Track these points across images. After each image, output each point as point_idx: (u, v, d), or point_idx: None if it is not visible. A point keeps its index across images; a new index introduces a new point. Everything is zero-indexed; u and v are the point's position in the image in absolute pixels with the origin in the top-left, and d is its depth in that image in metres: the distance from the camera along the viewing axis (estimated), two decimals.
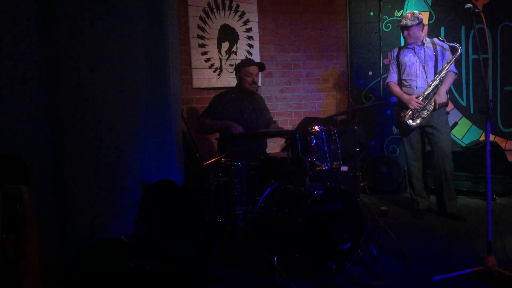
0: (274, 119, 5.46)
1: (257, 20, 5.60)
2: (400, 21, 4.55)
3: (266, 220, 3.43)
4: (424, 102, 4.39)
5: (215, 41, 5.30)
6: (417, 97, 4.41)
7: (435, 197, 4.65)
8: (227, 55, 5.38)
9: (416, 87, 4.48)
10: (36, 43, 2.20)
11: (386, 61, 5.74)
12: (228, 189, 3.48)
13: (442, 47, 4.46)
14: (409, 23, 4.44)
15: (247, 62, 4.37)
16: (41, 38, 2.23)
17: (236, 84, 4.43)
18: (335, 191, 3.34)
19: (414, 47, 4.53)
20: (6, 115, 2.02)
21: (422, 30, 4.52)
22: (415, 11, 4.56)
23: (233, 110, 4.21)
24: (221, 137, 4.28)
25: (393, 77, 4.67)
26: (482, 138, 5.48)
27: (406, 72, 4.55)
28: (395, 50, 4.71)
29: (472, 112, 5.61)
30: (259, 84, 5.60)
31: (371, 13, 5.85)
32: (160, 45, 3.38)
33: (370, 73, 5.90)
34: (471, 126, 5.60)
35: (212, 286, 3.04)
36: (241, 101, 4.28)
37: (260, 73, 5.60)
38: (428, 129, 4.49)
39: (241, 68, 4.31)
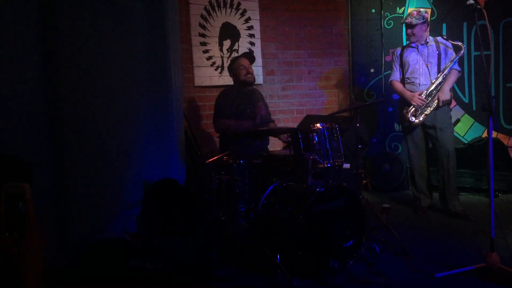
0: (276, 116, 5.47)
1: (258, 18, 5.60)
2: (406, 18, 4.49)
3: (268, 219, 3.43)
4: (427, 99, 4.38)
5: (217, 39, 5.30)
6: (419, 94, 4.40)
7: (438, 195, 4.64)
8: (229, 53, 5.37)
9: (420, 84, 4.47)
10: (36, 42, 2.20)
11: (388, 58, 5.73)
12: (230, 187, 3.48)
13: (445, 45, 4.44)
14: (414, 21, 4.39)
15: (235, 57, 4.45)
16: (41, 38, 2.23)
17: (234, 82, 4.43)
18: (337, 188, 3.33)
19: (417, 45, 4.50)
20: (6, 115, 2.02)
21: (426, 30, 4.48)
22: (421, 9, 4.50)
23: (236, 107, 4.22)
24: (223, 135, 4.28)
25: (396, 76, 4.66)
26: (485, 134, 5.46)
27: (409, 70, 4.53)
28: (398, 49, 4.68)
29: (474, 109, 5.59)
30: (261, 81, 5.61)
31: (373, 10, 5.83)
32: (161, 44, 3.38)
33: (372, 70, 5.89)
34: (473, 123, 5.58)
35: (214, 285, 3.04)
36: (242, 98, 4.28)
37: (262, 70, 5.63)
38: (432, 129, 4.47)
39: (232, 66, 4.37)
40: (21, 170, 1.68)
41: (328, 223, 3.20)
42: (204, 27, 5.19)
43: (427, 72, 4.44)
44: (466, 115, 5.62)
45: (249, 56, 4.43)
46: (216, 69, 5.28)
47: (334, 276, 3.12)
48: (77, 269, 2.12)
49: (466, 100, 5.62)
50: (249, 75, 4.30)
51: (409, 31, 4.47)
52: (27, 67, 2.14)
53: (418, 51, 4.50)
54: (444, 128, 4.42)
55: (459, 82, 5.53)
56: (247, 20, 5.51)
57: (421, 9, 4.53)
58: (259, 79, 5.49)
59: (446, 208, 4.52)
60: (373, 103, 5.63)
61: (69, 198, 2.40)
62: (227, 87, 4.54)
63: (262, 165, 3.71)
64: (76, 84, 2.45)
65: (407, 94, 4.48)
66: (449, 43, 4.41)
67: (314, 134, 3.49)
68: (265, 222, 3.43)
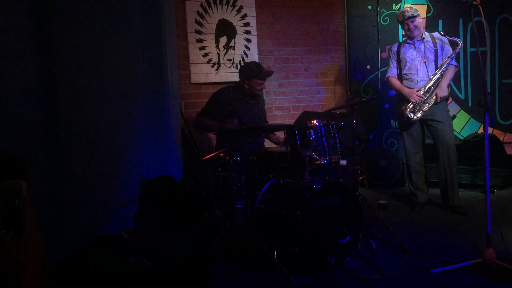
0: (272, 113, 5.47)
1: (254, 14, 5.58)
2: (403, 15, 4.48)
3: (265, 215, 3.44)
4: (425, 96, 4.39)
5: (213, 36, 5.29)
6: (418, 91, 4.40)
7: (440, 191, 4.64)
8: (225, 50, 5.36)
9: (418, 80, 4.48)
10: (34, 41, 2.19)
11: (384, 55, 5.73)
12: (227, 184, 3.48)
13: (442, 41, 4.45)
14: (415, 13, 4.43)
15: (259, 73, 4.13)
16: (38, 37, 2.22)
17: (240, 84, 4.32)
18: (334, 185, 3.34)
19: (414, 42, 4.51)
20: (4, 113, 2.02)
21: (422, 22, 4.54)
22: (411, 5, 4.59)
23: (229, 109, 4.18)
24: (220, 132, 4.26)
25: (393, 72, 4.66)
26: (481, 131, 5.48)
27: (407, 67, 4.54)
28: (395, 45, 4.69)
29: (470, 105, 5.61)
30: None
31: (369, 7, 5.83)
32: (157, 41, 3.37)
33: (368, 66, 5.89)
34: (469, 119, 5.60)
35: (213, 281, 3.04)
36: (238, 100, 4.23)
37: None
38: (431, 123, 4.49)
39: (253, 79, 4.12)
40: (17, 167, 1.67)
41: (325, 219, 3.21)
42: (200, 24, 5.17)
43: (425, 68, 4.45)
44: (462, 111, 5.64)
45: (269, 75, 4.28)
46: (212, 66, 5.27)
47: (332, 272, 3.13)
48: (74, 267, 2.12)
49: (462, 97, 5.64)
50: (260, 92, 4.26)
51: (411, 25, 4.45)
52: (24, 65, 2.13)
53: (415, 47, 4.51)
54: (444, 122, 4.44)
55: (455, 78, 5.55)
56: (243, 16, 5.50)
57: (411, 5, 4.60)
58: None
59: (447, 203, 4.53)
60: (370, 99, 5.63)
61: (66, 195, 2.40)
62: (227, 86, 4.47)
63: (259, 161, 3.72)
64: (73, 81, 2.45)
65: (406, 90, 4.48)
66: (445, 39, 4.42)
67: (311, 130, 3.50)
68: (262, 219, 3.44)
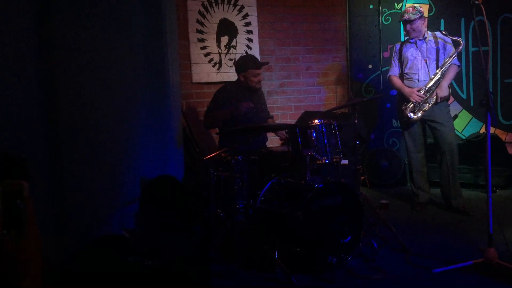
0: (274, 113, 5.46)
1: (256, 14, 5.58)
2: (402, 15, 4.49)
3: (266, 215, 3.43)
4: (426, 95, 4.37)
5: (214, 36, 5.29)
6: (418, 90, 4.39)
7: (440, 191, 4.63)
8: (227, 49, 5.36)
9: (418, 80, 4.46)
10: (34, 41, 2.19)
11: (386, 54, 5.72)
12: (229, 184, 3.48)
13: (444, 41, 4.43)
14: (412, 16, 4.39)
15: (253, 63, 4.19)
16: (38, 37, 2.22)
17: (237, 79, 4.36)
18: (335, 185, 3.33)
19: (415, 41, 4.49)
20: (4, 113, 2.02)
21: (424, 24, 4.49)
22: (415, 5, 4.54)
23: (233, 103, 4.19)
24: (221, 131, 4.26)
25: (394, 71, 4.64)
26: (482, 130, 5.47)
27: (408, 66, 4.53)
28: (397, 45, 4.67)
29: (472, 104, 5.59)
30: None
31: (371, 6, 5.82)
32: (158, 40, 3.37)
33: (370, 66, 5.88)
34: (471, 118, 5.59)
35: (213, 281, 3.04)
36: (241, 96, 4.24)
37: None
38: (432, 124, 4.47)
39: (248, 69, 4.17)
40: (19, 167, 1.67)
41: (326, 219, 3.20)
42: (201, 24, 5.17)
43: (426, 68, 4.44)
44: (464, 111, 5.62)
45: (264, 64, 4.31)
46: (214, 66, 5.27)
47: (333, 272, 3.13)
48: (75, 266, 2.12)
49: (464, 96, 5.62)
50: (259, 84, 4.24)
51: (408, 27, 4.45)
52: (24, 65, 2.14)
53: (417, 47, 4.49)
54: (445, 123, 4.42)
55: (457, 78, 5.53)
56: (245, 16, 5.50)
57: (415, 5, 4.55)
58: None
59: (449, 204, 4.51)
60: (371, 99, 5.63)
61: (67, 195, 2.40)
62: (227, 83, 4.49)
63: (260, 161, 3.71)
64: (74, 81, 2.45)
65: (406, 90, 4.47)
66: (448, 38, 4.40)
67: (312, 130, 3.49)
68: (263, 219, 3.43)
